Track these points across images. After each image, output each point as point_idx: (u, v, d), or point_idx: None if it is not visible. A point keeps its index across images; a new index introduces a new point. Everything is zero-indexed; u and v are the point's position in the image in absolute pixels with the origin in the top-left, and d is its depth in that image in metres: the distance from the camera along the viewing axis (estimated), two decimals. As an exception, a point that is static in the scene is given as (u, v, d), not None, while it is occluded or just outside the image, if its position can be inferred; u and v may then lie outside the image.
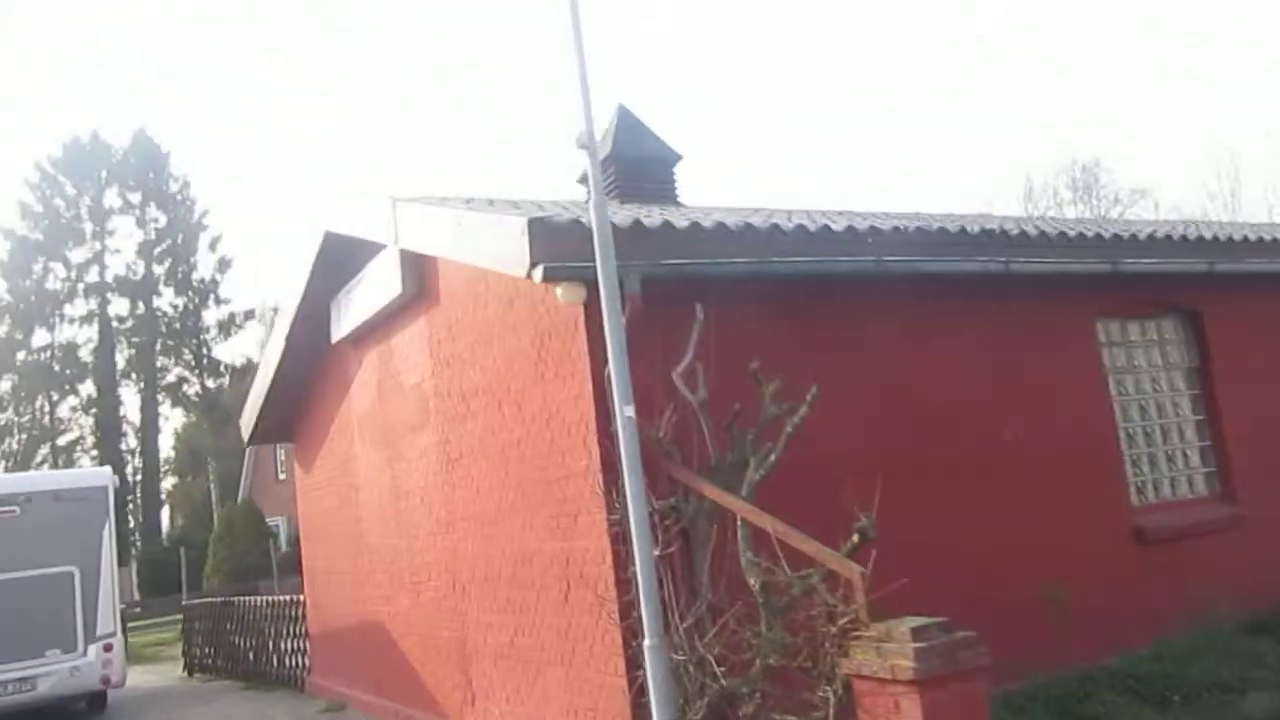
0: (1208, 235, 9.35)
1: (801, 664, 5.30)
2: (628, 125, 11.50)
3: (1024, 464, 7.97)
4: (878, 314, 7.61)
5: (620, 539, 6.45)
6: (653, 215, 7.08)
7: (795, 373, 6.14)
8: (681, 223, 6.80)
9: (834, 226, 7.33)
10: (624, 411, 5.69)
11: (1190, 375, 9.58)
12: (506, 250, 6.43)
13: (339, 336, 10.91)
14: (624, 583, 6.47)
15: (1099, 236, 8.56)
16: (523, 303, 7.49)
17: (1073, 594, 7.42)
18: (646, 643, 5.54)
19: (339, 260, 10.47)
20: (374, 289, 9.69)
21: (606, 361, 6.47)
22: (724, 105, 69.27)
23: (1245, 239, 9.59)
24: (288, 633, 13.78)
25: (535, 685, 7.53)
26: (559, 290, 6.56)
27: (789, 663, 5.29)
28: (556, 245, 6.22)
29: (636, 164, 11.13)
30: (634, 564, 5.74)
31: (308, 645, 13.25)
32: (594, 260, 5.76)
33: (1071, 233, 8.43)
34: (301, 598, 13.42)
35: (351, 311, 10.39)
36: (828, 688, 4.92)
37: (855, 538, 5.51)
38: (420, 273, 9.07)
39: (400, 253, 9.02)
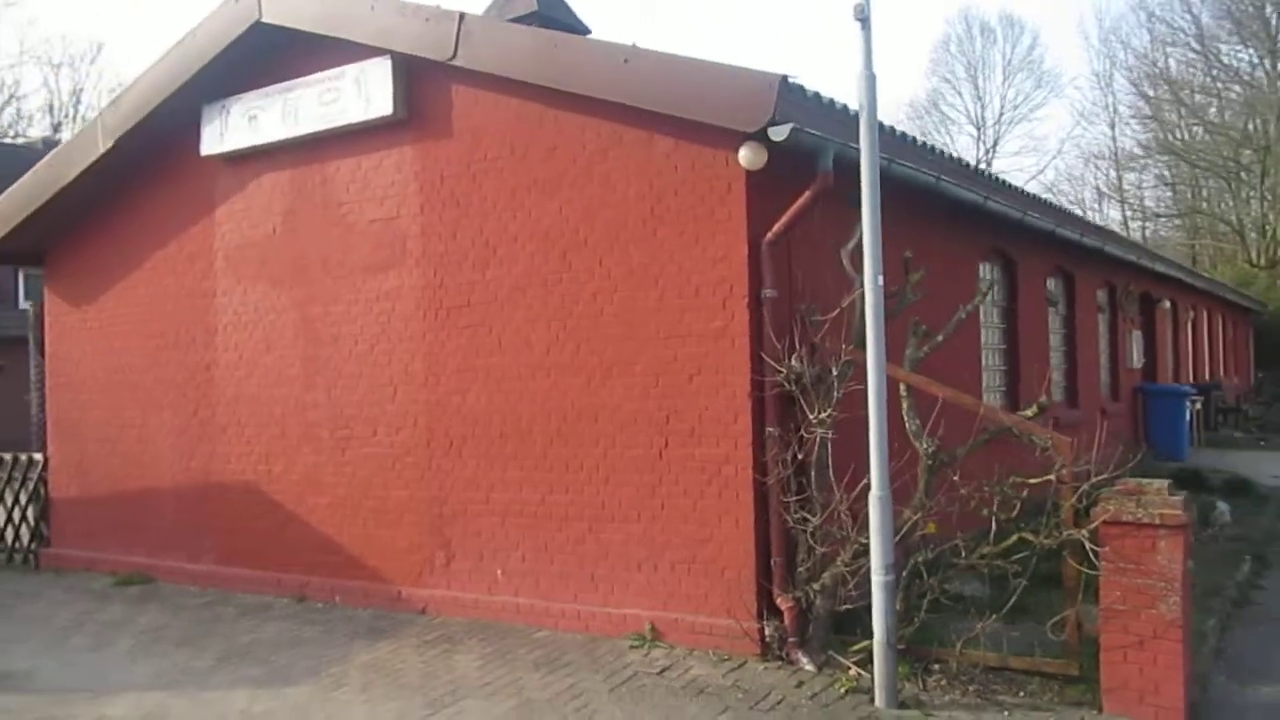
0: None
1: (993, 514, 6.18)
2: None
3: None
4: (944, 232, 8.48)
5: (760, 400, 6.77)
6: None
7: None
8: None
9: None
10: (875, 281, 5.98)
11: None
12: (732, 102, 6.30)
13: (215, 150, 9.22)
14: (759, 443, 6.79)
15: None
16: (623, 154, 7.24)
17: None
18: (874, 494, 5.96)
19: (244, 60, 8.87)
20: (326, 105, 8.43)
21: (768, 228, 6.73)
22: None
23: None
24: (3, 497, 11.21)
25: (581, 541, 7.43)
26: (742, 152, 6.59)
27: (999, 514, 6.11)
28: (788, 106, 6.28)
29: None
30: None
31: (40, 512, 10.96)
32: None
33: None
34: (38, 456, 11.01)
35: (258, 124, 8.87)
36: (1068, 532, 5.82)
37: (1035, 408, 6.50)
38: (416, 96, 8.14)
39: (394, 69, 8.04)
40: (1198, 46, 38.91)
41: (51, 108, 45.20)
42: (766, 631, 6.65)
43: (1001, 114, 47.84)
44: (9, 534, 11.19)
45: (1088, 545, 5.66)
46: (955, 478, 6.13)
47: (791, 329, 6.78)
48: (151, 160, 9.80)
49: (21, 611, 9.04)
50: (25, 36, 68.33)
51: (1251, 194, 37.89)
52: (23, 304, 27.40)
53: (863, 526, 6.21)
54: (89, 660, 7.45)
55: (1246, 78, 37.15)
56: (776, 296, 6.80)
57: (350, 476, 8.64)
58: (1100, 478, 5.88)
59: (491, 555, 7.87)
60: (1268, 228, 37.06)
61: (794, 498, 6.64)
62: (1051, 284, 13.17)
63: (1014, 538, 6.07)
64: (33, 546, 11.01)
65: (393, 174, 8.35)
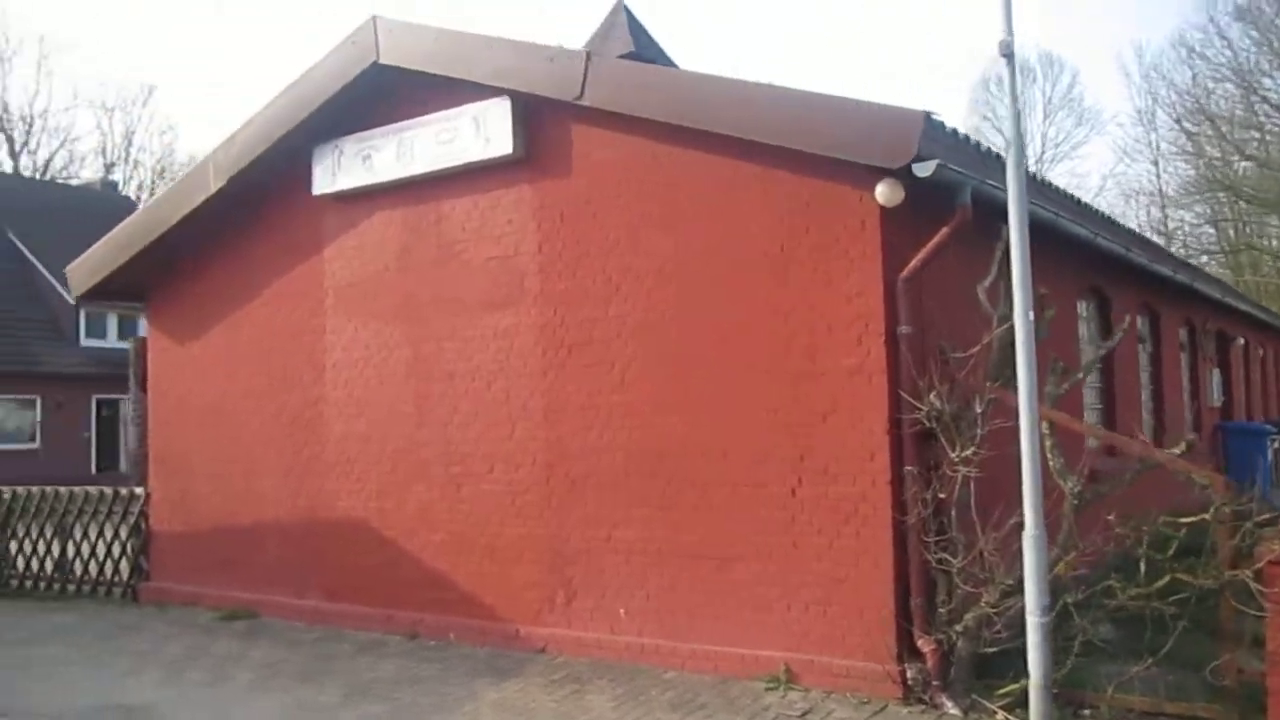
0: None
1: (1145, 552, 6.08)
2: (635, 26, 11.15)
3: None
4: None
5: (898, 438, 6.73)
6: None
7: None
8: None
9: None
10: (1026, 316, 5.92)
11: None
12: (874, 138, 6.33)
13: (327, 189, 9.36)
14: (898, 481, 6.74)
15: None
16: (750, 190, 7.28)
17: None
18: (1028, 533, 5.87)
19: (359, 100, 9.02)
20: (443, 144, 8.54)
21: (903, 265, 6.72)
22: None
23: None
24: (102, 532, 11.32)
25: (709, 580, 7.38)
26: (879, 189, 6.61)
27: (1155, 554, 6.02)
28: (930, 144, 6.30)
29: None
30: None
31: (141, 547, 11.05)
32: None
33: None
34: (139, 490, 11.12)
35: (372, 163, 9.00)
36: (1233, 572, 5.72)
37: (1184, 445, 6.41)
38: (534, 134, 8.24)
39: (513, 108, 8.14)
40: (1238, 81, 38.87)
41: (104, 150, 46.27)
42: (909, 674, 6.56)
43: (1043, 152, 47.62)
44: (108, 568, 11.27)
45: (1253, 586, 5.55)
46: (1110, 517, 6.04)
47: (928, 365, 6.75)
48: (256, 198, 9.95)
49: (130, 645, 9.08)
50: (80, 82, 70.13)
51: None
52: (84, 342, 27.88)
53: (1010, 567, 6.15)
54: (208, 695, 7.47)
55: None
56: (912, 333, 6.78)
57: (465, 514, 8.64)
58: (1263, 517, 5.79)
59: (614, 594, 7.83)
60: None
61: (934, 537, 6.58)
62: (1140, 321, 13.06)
63: (1166, 578, 5.98)
64: (132, 580, 11.08)
65: (510, 212, 8.43)
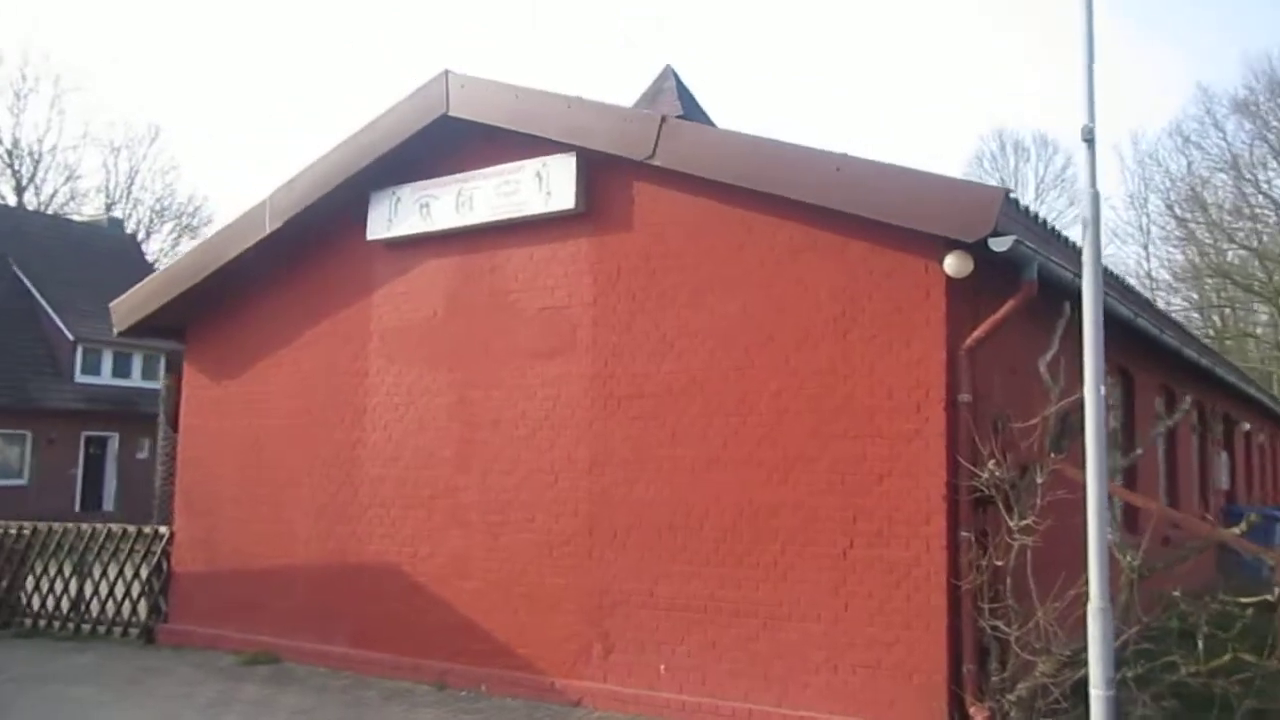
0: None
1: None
2: (682, 90, 11.41)
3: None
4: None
5: (954, 504, 6.80)
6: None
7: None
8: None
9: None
10: (1098, 392, 6.02)
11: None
12: (950, 212, 6.51)
13: (381, 235, 9.48)
14: (953, 546, 6.80)
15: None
16: (816, 256, 7.43)
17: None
18: (1094, 605, 5.90)
19: (420, 149, 9.18)
20: (505, 196, 8.68)
21: (963, 334, 6.86)
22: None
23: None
24: (122, 571, 11.19)
25: (754, 639, 7.37)
26: (949, 260, 6.77)
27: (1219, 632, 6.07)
28: (1006, 220, 6.47)
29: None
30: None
31: (161, 587, 10.92)
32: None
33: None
34: (163, 529, 11.02)
35: (429, 212, 9.13)
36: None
37: (1245, 524, 6.50)
38: (595, 190, 8.39)
39: (578, 163, 8.31)
40: (1232, 171, 39.92)
41: (107, 187, 46.46)
42: (962, 741, 6.55)
43: (1036, 230, 48.41)
44: (126, 608, 11.11)
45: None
46: (1176, 593, 6.10)
47: (987, 434, 6.85)
48: (305, 241, 10.04)
49: (160, 688, 8.91)
50: (91, 120, 70.81)
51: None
52: (78, 378, 27.68)
53: (1069, 637, 6.19)
54: (242, 741, 7.36)
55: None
56: (970, 401, 6.89)
57: (502, 562, 8.61)
58: (1326, 597, 5.86)
59: (654, 649, 7.80)
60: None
61: (989, 604, 6.62)
62: (1158, 402, 13.24)
63: (1229, 656, 6.03)
64: (150, 621, 10.92)
65: (566, 265, 8.55)
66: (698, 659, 7.61)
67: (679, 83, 11.56)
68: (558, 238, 8.61)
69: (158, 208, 47.62)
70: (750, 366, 7.62)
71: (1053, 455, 6.62)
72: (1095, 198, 6.10)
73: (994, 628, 6.57)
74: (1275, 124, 38.76)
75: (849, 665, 7.02)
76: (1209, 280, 41.58)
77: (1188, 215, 41.88)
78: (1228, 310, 42.71)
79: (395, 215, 9.37)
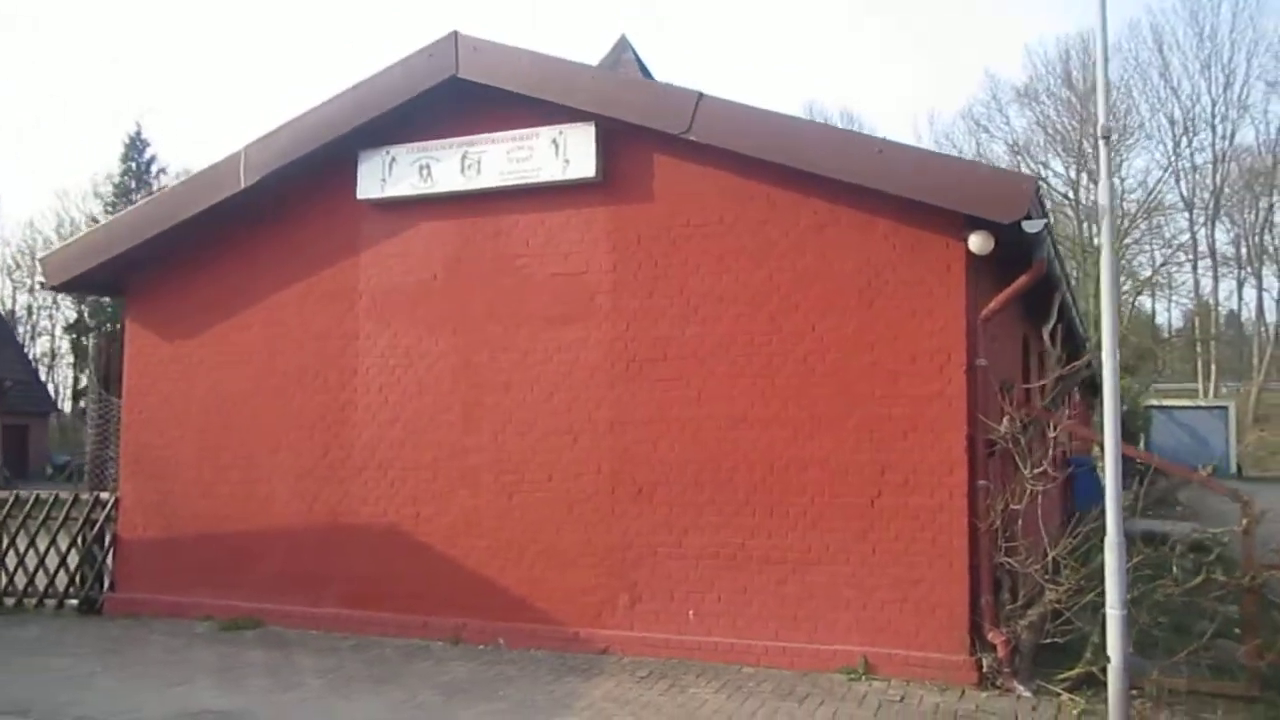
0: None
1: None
2: (636, 62, 11.71)
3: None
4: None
5: (973, 456, 7.69)
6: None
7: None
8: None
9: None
10: (1113, 354, 6.99)
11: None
12: (987, 196, 7.27)
13: (373, 195, 9.35)
14: (973, 493, 7.69)
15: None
16: (840, 231, 8.07)
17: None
18: (1110, 539, 6.92)
19: (421, 110, 9.12)
20: (517, 162, 8.80)
21: (979, 305, 7.75)
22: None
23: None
24: (55, 541, 10.49)
25: (784, 582, 8.03)
26: (973, 239, 7.57)
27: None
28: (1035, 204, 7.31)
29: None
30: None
31: (102, 554, 10.37)
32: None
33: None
34: (104, 495, 10.42)
35: (430, 174, 9.11)
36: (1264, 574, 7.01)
37: (1211, 468, 7.71)
38: (613, 159, 8.67)
39: (597, 133, 8.57)
40: (1015, 156, 43.95)
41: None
42: (985, 663, 7.47)
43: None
44: (61, 578, 10.49)
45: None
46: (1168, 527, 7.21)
47: (1001, 394, 7.76)
48: (281, 198, 9.75)
49: (147, 655, 8.62)
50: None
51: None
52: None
53: (1074, 569, 7.21)
54: (291, 700, 7.31)
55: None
56: (986, 365, 7.77)
57: (517, 520, 8.86)
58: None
59: (683, 597, 8.32)
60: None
61: (1004, 543, 7.56)
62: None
63: (1201, 577, 7.22)
64: (92, 592, 10.38)
65: (582, 231, 8.79)
66: (727, 604, 8.20)
67: (635, 54, 11.84)
68: (571, 205, 8.83)
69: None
70: (777, 332, 8.19)
71: (1059, 411, 7.59)
72: (1111, 189, 7.06)
73: (1007, 564, 7.52)
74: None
75: (877, 602, 7.81)
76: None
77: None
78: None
79: (389, 175, 9.27)
